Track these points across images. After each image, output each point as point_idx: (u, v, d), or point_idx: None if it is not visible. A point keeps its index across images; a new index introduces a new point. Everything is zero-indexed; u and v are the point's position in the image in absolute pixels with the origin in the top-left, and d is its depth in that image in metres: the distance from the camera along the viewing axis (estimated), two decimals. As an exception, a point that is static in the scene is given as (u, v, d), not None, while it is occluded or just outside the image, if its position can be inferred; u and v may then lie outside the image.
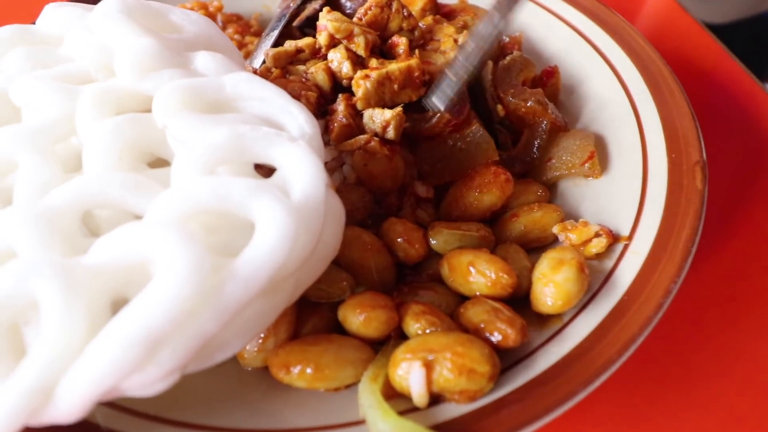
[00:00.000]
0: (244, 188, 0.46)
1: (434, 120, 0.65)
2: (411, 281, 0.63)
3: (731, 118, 0.92)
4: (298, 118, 0.54)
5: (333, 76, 0.67)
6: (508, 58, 0.76)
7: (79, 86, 0.55)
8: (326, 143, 0.67)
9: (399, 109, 0.64)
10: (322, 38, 0.68)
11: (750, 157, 0.86)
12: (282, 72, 0.68)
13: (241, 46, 0.91)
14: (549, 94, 0.81)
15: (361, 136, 0.62)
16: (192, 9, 0.94)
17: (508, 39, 0.85)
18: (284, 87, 0.64)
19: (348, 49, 0.68)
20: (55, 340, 0.39)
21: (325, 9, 0.70)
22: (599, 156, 0.71)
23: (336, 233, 0.54)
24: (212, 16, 0.94)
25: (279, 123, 0.55)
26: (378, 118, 0.64)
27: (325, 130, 0.66)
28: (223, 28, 0.94)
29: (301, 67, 0.68)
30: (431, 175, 0.67)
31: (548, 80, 0.82)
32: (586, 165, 0.69)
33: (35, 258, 0.41)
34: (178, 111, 0.52)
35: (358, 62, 0.68)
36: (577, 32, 0.87)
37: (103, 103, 0.53)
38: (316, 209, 0.49)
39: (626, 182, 0.68)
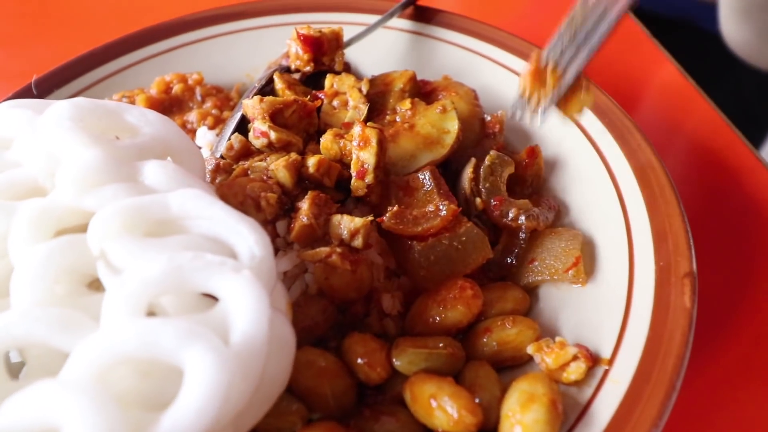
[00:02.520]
0: (174, 336, 0.42)
1: (441, 215, 0.61)
2: (373, 403, 0.58)
3: (722, 186, 0.87)
4: (247, 240, 0.51)
5: (296, 170, 0.64)
6: (487, 160, 0.72)
7: (17, 203, 0.52)
8: (289, 243, 0.63)
9: (369, 218, 0.61)
10: (258, 143, 0.66)
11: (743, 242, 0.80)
12: (244, 170, 0.65)
13: (219, 121, 0.88)
14: (532, 174, 0.77)
15: (322, 249, 0.58)
16: (171, 81, 0.93)
17: (489, 117, 0.81)
18: (243, 187, 0.61)
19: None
20: None
21: (259, 107, 0.68)
22: (585, 256, 0.67)
23: (283, 368, 0.50)
24: (191, 89, 0.92)
25: (228, 243, 0.51)
26: (346, 225, 0.60)
27: (288, 230, 0.62)
28: (202, 101, 0.91)
29: (262, 164, 0.65)
30: (428, 279, 0.63)
31: (531, 161, 0.78)
32: (570, 272, 0.65)
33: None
34: (117, 235, 0.49)
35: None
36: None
37: (39, 224, 0.50)
38: (258, 351, 0.45)
39: (610, 292, 0.63)
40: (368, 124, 0.65)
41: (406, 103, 0.76)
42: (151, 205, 0.51)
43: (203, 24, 0.99)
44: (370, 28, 0.94)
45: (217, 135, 0.84)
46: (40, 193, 0.56)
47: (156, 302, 0.49)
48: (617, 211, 0.70)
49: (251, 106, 0.68)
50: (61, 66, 0.91)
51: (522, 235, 0.68)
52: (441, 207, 0.62)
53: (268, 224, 0.61)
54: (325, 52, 0.80)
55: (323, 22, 0.97)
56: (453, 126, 0.74)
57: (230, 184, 0.61)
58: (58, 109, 0.56)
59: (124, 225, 0.49)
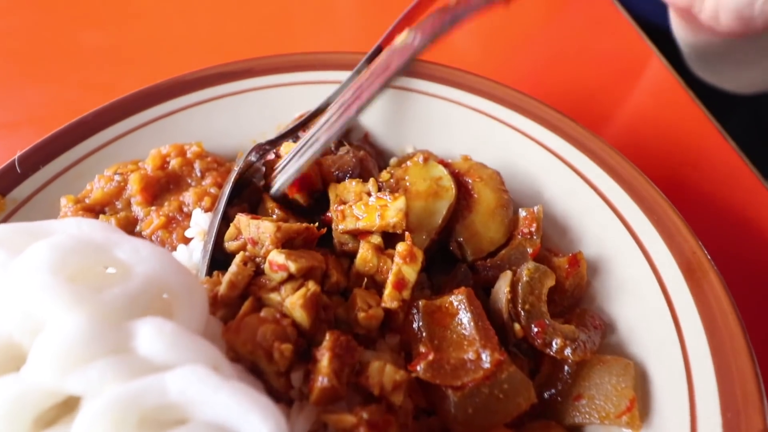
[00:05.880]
0: None
1: (484, 367, 0.54)
2: None
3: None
4: (260, 431, 0.43)
5: (315, 307, 0.56)
6: (525, 273, 0.64)
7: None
8: (306, 396, 0.55)
9: (410, 375, 0.54)
10: (277, 277, 0.58)
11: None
12: (253, 302, 0.56)
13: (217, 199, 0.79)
14: (573, 285, 0.69)
15: (347, 418, 0.50)
16: (168, 154, 0.84)
17: (525, 213, 0.73)
18: (254, 333, 0.53)
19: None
20: None
21: (271, 234, 0.60)
22: (638, 392, 0.59)
23: None
24: (190, 163, 0.83)
25: (237, 432, 0.44)
26: (390, 376, 0.53)
27: (305, 380, 0.54)
28: (201, 177, 0.82)
29: (276, 297, 0.57)
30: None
31: (573, 269, 0.69)
32: (624, 417, 0.57)
33: None
34: (105, 436, 0.41)
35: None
36: (603, 199, 0.75)
37: (14, 418, 0.42)
38: None
39: (670, 447, 0.55)
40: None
41: (384, 175, 0.72)
42: (145, 392, 0.43)
43: (205, 84, 0.90)
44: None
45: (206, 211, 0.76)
46: (15, 351, 0.48)
47: None
48: (672, 337, 0.62)
49: (260, 230, 0.60)
50: (46, 139, 0.82)
51: (567, 369, 0.61)
52: (483, 356, 0.54)
53: (282, 376, 0.53)
54: (317, 186, 0.72)
55: (335, 81, 0.88)
56: (440, 171, 0.73)
57: (237, 327, 0.53)
58: (36, 255, 0.48)
59: (113, 422, 0.41)
